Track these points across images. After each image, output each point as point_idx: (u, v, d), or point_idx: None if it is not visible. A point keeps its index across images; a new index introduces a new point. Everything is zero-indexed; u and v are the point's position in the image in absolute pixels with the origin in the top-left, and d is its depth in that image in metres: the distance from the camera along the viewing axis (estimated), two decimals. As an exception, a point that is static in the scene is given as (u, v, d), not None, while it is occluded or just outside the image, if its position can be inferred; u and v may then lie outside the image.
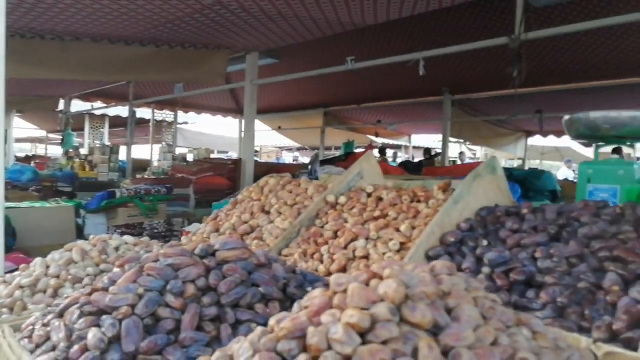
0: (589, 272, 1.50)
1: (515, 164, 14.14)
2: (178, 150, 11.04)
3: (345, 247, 1.96)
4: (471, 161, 15.23)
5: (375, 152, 13.11)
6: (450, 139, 13.49)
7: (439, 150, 10.74)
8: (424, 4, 4.80)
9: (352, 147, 11.39)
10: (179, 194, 5.70)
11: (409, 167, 9.74)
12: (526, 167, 12.07)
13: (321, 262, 1.95)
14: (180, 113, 10.63)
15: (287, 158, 19.72)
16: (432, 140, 17.06)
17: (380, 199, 2.23)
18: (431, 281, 0.95)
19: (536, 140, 12.65)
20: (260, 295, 1.35)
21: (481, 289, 1.07)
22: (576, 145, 15.55)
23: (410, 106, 10.29)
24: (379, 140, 13.93)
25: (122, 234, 3.75)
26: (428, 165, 10.67)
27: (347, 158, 8.77)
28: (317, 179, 2.77)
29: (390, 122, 11.41)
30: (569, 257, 1.57)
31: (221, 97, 9.80)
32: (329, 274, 1.82)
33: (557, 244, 1.66)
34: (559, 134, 11.35)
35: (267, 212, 2.36)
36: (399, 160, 15.69)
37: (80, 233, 4.63)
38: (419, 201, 2.11)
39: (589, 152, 14.54)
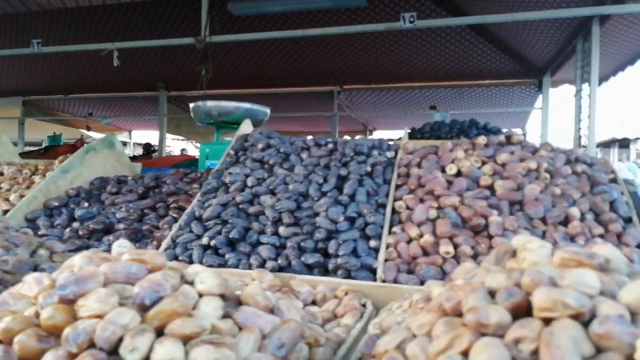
0: (155, 218, 1.92)
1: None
2: None
3: (-54, 219, 1.96)
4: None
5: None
6: (177, 136, 13.65)
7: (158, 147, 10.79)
8: (114, -5, 4.85)
9: (59, 140, 10.44)
10: None
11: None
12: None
13: None
14: None
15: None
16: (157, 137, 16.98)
17: (1, 174, 2.28)
18: None
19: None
20: None
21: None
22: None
23: (126, 100, 10.01)
24: (95, 135, 13.12)
25: None
26: (141, 160, 10.63)
27: (47, 152, 8.05)
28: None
29: (104, 116, 10.92)
30: (144, 208, 1.98)
31: None
32: None
33: (142, 201, 2.05)
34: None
35: None
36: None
37: None
38: (38, 175, 2.25)
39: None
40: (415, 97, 8.71)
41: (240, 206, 1.67)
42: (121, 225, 1.87)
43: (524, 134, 10.62)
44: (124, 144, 17.05)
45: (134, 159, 10.46)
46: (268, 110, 3.06)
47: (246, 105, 2.93)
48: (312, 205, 1.61)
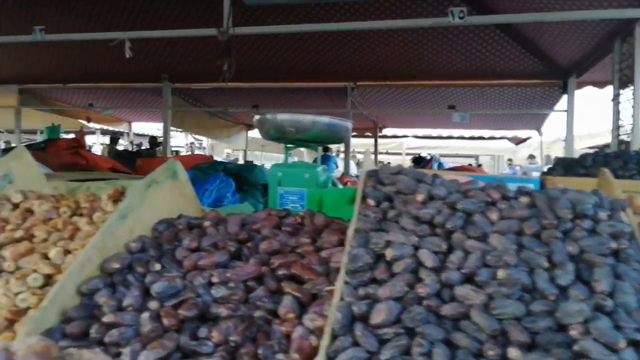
0: (266, 297, 1.33)
1: (240, 154, 14.53)
2: None
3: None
4: (202, 153, 15.23)
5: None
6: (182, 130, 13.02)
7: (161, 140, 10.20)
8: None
9: (58, 132, 9.75)
10: None
11: (125, 157, 8.87)
12: (248, 159, 12.61)
13: None
14: None
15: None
16: (157, 129, 16.22)
17: (30, 211, 1.67)
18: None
19: (257, 133, 13.32)
20: None
21: None
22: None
23: (128, 91, 9.42)
24: (94, 126, 12.42)
25: None
26: (148, 155, 10.02)
27: (47, 146, 7.41)
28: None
29: (104, 107, 10.21)
30: (247, 280, 1.38)
31: None
32: None
33: (237, 264, 1.46)
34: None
35: None
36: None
37: None
38: (82, 215, 1.65)
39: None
40: (431, 96, 8.25)
41: (425, 302, 1.08)
42: (222, 311, 1.27)
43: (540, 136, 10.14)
44: (126, 135, 16.20)
45: (137, 154, 9.85)
46: (350, 125, 2.47)
47: (325, 119, 2.32)
48: (549, 309, 1.03)
